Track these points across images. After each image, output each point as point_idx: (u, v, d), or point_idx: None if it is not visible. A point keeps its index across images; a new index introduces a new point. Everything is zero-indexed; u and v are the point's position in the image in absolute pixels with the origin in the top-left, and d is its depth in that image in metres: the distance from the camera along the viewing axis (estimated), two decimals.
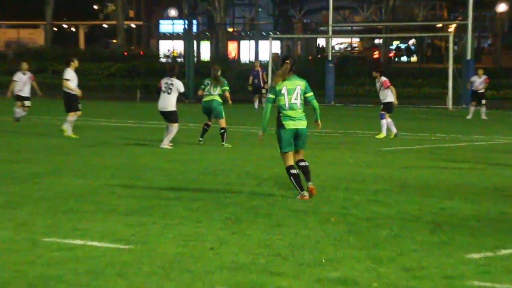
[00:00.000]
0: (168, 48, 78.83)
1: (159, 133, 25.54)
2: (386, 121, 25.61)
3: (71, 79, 23.98)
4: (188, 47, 51.84)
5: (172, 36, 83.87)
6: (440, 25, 71.50)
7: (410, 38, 74.30)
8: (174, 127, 21.45)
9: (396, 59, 77.10)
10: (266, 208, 12.38)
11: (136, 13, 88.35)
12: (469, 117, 35.09)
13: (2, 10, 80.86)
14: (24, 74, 28.65)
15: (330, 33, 50.23)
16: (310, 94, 13.49)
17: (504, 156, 18.22)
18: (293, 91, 13.34)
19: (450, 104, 42.08)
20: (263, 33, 70.87)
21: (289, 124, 13.31)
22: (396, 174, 16.69)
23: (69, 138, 23.66)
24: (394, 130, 25.58)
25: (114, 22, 73.42)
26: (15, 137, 24.38)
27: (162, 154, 20.20)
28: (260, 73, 40.60)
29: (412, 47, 79.16)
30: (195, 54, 57.39)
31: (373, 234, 10.58)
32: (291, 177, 13.32)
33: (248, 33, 80.00)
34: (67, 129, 24.19)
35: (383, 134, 25.36)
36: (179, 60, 62.92)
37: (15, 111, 29.06)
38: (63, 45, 70.34)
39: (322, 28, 74.28)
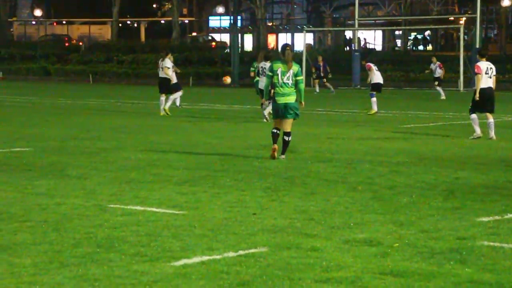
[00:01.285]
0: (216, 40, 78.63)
1: (209, 113, 25.52)
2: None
3: (170, 67, 24.81)
4: (233, 40, 51.77)
5: (219, 30, 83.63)
6: (452, 18, 70.70)
7: (426, 29, 73.51)
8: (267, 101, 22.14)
9: (414, 48, 76.35)
10: (301, 178, 12.27)
11: (188, 11, 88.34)
12: (443, 97, 34.67)
13: (76, 10, 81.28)
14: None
15: (356, 26, 49.83)
16: (300, 78, 14.24)
17: (510, 131, 17.95)
18: (286, 73, 14.12)
19: (461, 87, 41.64)
20: (298, 26, 70.60)
21: (280, 100, 14.16)
22: (414, 148, 16.49)
23: (165, 114, 24.40)
24: (375, 108, 25.34)
25: (170, 19, 73.51)
26: (85, 117, 24.44)
27: (211, 131, 20.13)
28: (321, 65, 40.55)
29: (428, 38, 78.37)
30: (240, 45, 57.09)
31: (395, 201, 10.44)
32: (272, 134, 14.39)
33: (285, 27, 79.73)
34: (165, 106, 24.74)
35: (374, 110, 25.12)
36: (226, 51, 62.58)
37: (161, 100, 27.52)
38: (127, 39, 70.46)
39: (349, 22, 73.69)
